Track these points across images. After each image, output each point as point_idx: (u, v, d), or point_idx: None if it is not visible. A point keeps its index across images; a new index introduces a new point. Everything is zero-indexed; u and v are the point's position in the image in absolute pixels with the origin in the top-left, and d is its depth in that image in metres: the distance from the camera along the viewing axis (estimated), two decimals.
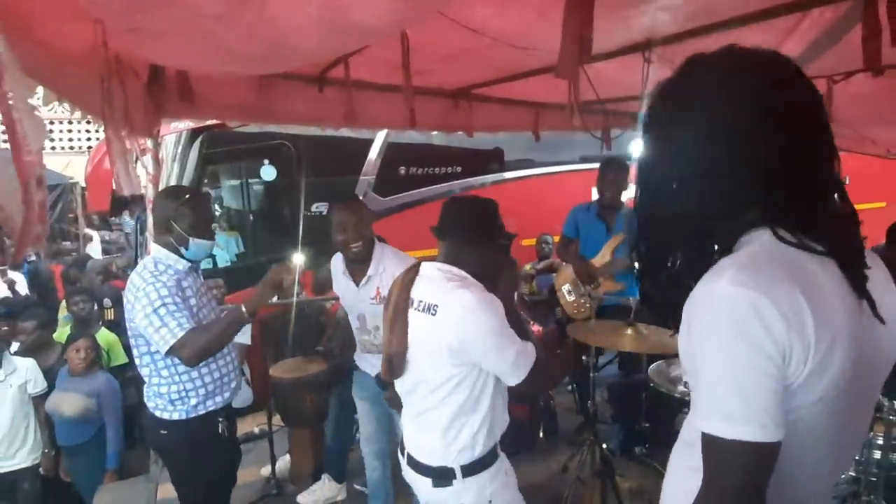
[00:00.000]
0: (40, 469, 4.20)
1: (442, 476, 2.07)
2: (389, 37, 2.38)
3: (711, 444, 0.93)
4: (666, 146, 1.06)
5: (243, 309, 2.51)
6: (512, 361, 1.94)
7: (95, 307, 5.17)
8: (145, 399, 2.62)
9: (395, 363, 2.10)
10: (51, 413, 4.09)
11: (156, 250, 2.58)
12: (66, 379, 4.13)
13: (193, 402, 2.55)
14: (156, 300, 2.36)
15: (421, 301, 2.05)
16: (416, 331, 2.06)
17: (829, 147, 1.00)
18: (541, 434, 4.44)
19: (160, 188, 5.75)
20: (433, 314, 1.98)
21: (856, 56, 1.94)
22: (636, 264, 1.17)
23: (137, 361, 2.56)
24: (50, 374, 4.31)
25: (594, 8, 1.75)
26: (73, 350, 4.09)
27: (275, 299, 2.78)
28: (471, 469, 2.05)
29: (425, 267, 2.15)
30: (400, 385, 2.19)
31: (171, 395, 2.52)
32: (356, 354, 3.28)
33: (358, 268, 3.04)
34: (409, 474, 2.19)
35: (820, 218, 0.98)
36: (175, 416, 2.54)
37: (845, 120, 3.36)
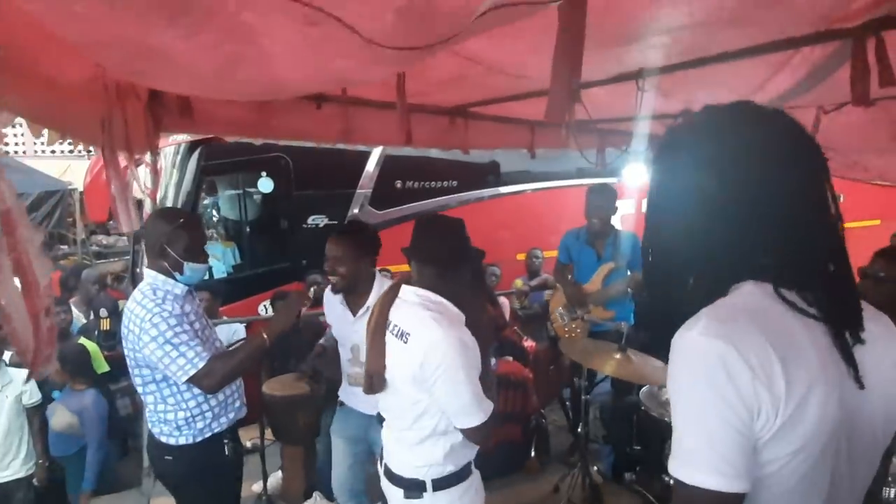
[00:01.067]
0: (34, 480, 4.20)
1: (413, 488, 2.15)
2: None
3: (677, 488, 0.95)
4: (668, 199, 1.10)
5: (265, 336, 2.57)
6: (462, 405, 2.00)
7: (74, 317, 5.18)
8: (149, 425, 2.59)
9: (375, 381, 2.16)
10: (48, 420, 4.13)
11: (151, 276, 2.53)
12: (65, 391, 4.17)
13: (200, 425, 2.54)
14: (167, 331, 2.35)
15: (396, 326, 2.12)
16: (391, 354, 2.12)
17: (829, 212, 1.02)
18: (532, 453, 4.45)
19: (157, 199, 5.81)
20: (405, 342, 2.05)
21: (846, 89, 1.97)
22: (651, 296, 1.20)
23: (140, 390, 2.53)
24: (46, 384, 4.32)
25: (586, 47, 1.79)
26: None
27: (269, 312, 2.82)
28: (441, 483, 2.13)
29: (405, 290, 2.18)
30: (381, 401, 2.28)
31: (177, 420, 2.50)
32: (342, 389, 3.16)
33: (355, 298, 2.94)
34: (384, 484, 2.27)
35: (815, 279, 1.00)
36: (182, 441, 2.52)
37: (836, 147, 3.39)
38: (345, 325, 3.01)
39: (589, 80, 2.76)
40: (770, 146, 1.00)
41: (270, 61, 1.34)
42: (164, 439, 2.53)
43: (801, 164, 1.00)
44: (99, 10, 0.97)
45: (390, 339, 2.12)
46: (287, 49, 1.28)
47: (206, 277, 6.20)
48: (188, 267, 2.52)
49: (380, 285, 2.89)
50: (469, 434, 2.06)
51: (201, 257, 2.59)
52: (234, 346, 2.98)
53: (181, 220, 2.55)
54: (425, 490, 2.13)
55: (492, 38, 2.06)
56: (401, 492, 2.17)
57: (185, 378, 2.37)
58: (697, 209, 1.03)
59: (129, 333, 2.42)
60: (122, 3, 0.97)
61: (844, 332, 0.98)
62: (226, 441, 2.63)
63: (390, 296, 2.20)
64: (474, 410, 2.00)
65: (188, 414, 2.50)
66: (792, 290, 0.98)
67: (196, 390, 2.48)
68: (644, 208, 1.17)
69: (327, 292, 3.10)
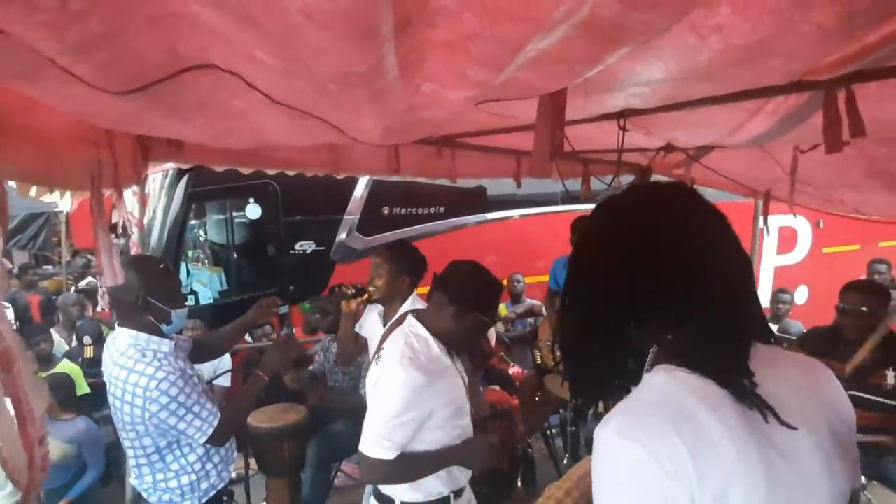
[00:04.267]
0: None
1: (384, 503, 2.23)
2: None
3: None
4: (594, 268, 1.13)
5: (265, 377, 2.56)
6: (367, 432, 2.10)
7: (56, 343, 5.14)
8: (145, 494, 2.48)
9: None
10: None
11: (130, 336, 2.31)
12: (47, 423, 4.08)
13: (205, 486, 2.46)
14: (178, 395, 2.22)
15: (382, 349, 2.26)
16: (370, 371, 2.27)
17: (744, 277, 1.07)
18: (519, 483, 4.45)
19: (145, 226, 5.80)
20: (377, 364, 2.20)
21: (820, 132, 2.03)
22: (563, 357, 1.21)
23: (143, 460, 2.37)
24: None
25: (572, 94, 1.85)
26: None
27: (250, 340, 2.84)
28: None
29: (407, 321, 2.28)
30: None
31: (181, 487, 2.41)
32: None
33: (390, 311, 3.03)
34: (371, 499, 2.34)
35: (723, 349, 1.01)
36: None
37: (813, 182, 3.47)
38: (376, 333, 3.06)
39: (572, 119, 2.82)
40: (685, 219, 1.06)
41: (260, 131, 1.38)
42: None
43: (713, 233, 1.06)
44: (96, 96, 1.00)
45: (374, 360, 2.28)
46: (277, 127, 1.32)
47: (193, 304, 6.24)
48: (175, 315, 2.39)
49: (412, 303, 2.96)
50: (363, 463, 2.12)
51: (183, 301, 2.49)
52: (223, 379, 2.95)
53: (161, 267, 2.40)
54: None
55: None
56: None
57: (203, 439, 2.30)
58: (618, 275, 1.07)
59: (125, 405, 2.23)
60: (116, 98, 1.00)
61: (755, 393, 0.98)
62: (224, 498, 2.61)
63: (396, 324, 2.33)
64: (369, 442, 2.08)
65: (194, 478, 2.42)
66: (702, 373, 1.00)
67: (201, 451, 2.41)
68: (569, 267, 1.19)
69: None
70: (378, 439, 2.06)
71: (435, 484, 2.21)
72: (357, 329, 3.25)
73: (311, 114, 1.10)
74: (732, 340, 1.02)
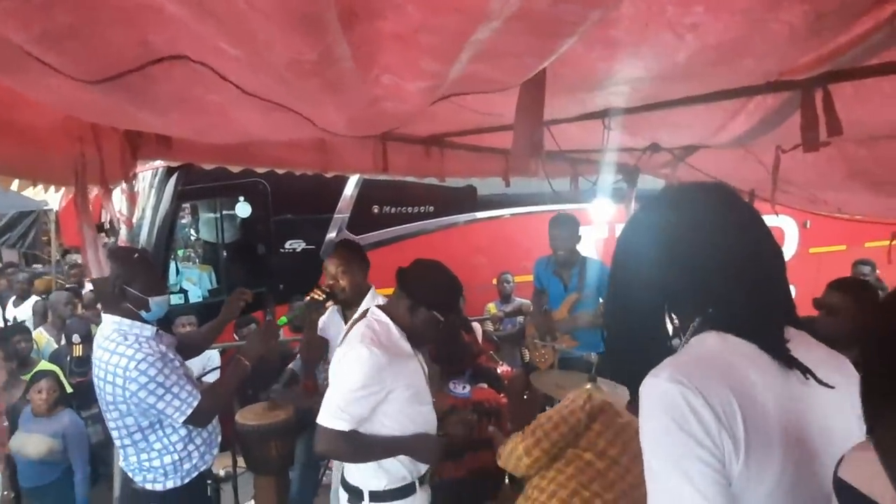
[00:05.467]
0: None
1: (354, 494, 2.31)
2: None
3: None
4: (635, 262, 1.21)
5: (246, 362, 2.58)
6: (329, 402, 2.18)
7: (46, 341, 5.11)
8: (129, 474, 2.52)
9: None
10: (14, 454, 4.02)
11: (114, 322, 2.41)
12: (30, 419, 4.06)
13: (187, 466, 2.51)
14: (156, 375, 2.30)
15: (347, 335, 2.35)
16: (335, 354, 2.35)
17: (771, 268, 1.13)
18: (506, 480, 4.46)
19: (134, 224, 5.78)
20: (340, 345, 2.32)
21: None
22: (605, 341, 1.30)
23: (127, 440, 2.44)
24: (15, 412, 4.25)
25: (552, 92, 1.88)
26: (35, 391, 4.04)
27: (237, 338, 2.87)
28: (378, 497, 2.28)
29: (370, 309, 2.40)
30: None
31: (164, 466, 2.46)
32: None
33: (349, 314, 3.05)
34: (340, 488, 2.40)
35: (762, 327, 1.09)
36: (170, 485, 2.48)
37: (796, 182, 3.52)
38: (340, 332, 3.11)
39: (556, 118, 2.85)
40: (718, 218, 1.14)
41: (239, 125, 1.40)
42: (149, 486, 2.47)
43: (744, 230, 1.13)
44: (73, 87, 1.02)
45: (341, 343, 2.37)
46: (253, 120, 1.34)
47: (183, 302, 6.24)
48: (153, 302, 2.45)
49: (372, 298, 3.04)
50: (317, 433, 2.19)
51: (162, 289, 2.54)
52: (212, 376, 2.96)
53: (135, 257, 2.51)
54: (362, 499, 2.27)
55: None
56: (346, 496, 2.32)
57: (182, 419, 2.35)
58: (657, 268, 1.16)
59: (109, 385, 2.32)
60: (91, 89, 1.01)
61: (791, 355, 1.05)
62: (209, 482, 2.64)
63: (359, 318, 2.42)
64: (327, 413, 2.16)
65: (176, 457, 2.46)
66: (747, 339, 1.06)
67: (183, 431, 2.46)
68: (612, 260, 1.27)
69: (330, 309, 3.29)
70: (336, 410, 2.14)
71: (400, 470, 2.29)
72: (320, 332, 3.29)
73: (281, 104, 1.12)
74: (768, 317, 1.10)
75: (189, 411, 2.36)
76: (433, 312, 2.30)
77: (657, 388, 1.01)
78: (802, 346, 1.10)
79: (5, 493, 4.11)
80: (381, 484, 2.26)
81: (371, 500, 2.26)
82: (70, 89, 1.02)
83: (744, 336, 1.07)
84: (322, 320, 3.30)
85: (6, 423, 4.16)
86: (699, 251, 1.11)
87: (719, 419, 0.95)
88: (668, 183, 4.15)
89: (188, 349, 2.91)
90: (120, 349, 2.33)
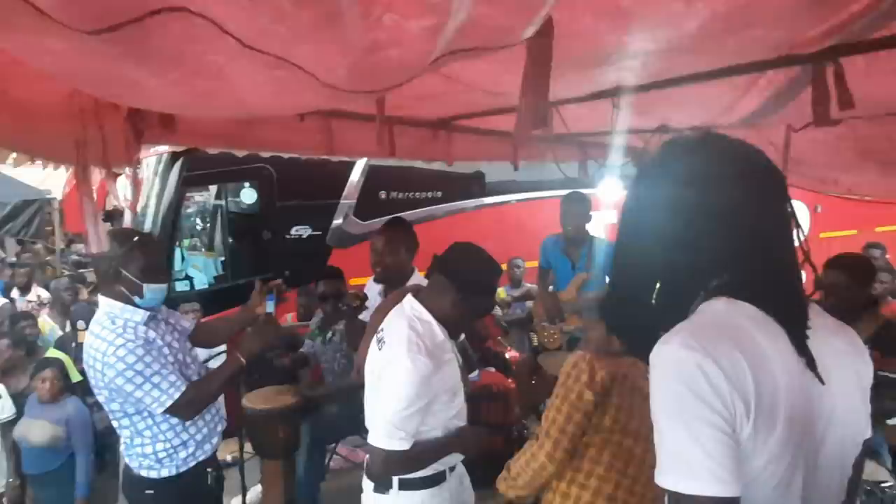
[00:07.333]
0: (4, 499, 4.14)
1: (382, 483, 2.21)
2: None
3: (671, 500, 0.97)
4: (643, 221, 1.16)
5: (241, 359, 2.50)
6: (377, 422, 2.07)
7: (50, 328, 5.12)
8: (126, 459, 2.47)
9: (362, 374, 2.29)
10: (18, 441, 4.04)
11: (107, 304, 2.36)
12: (35, 405, 4.07)
13: (183, 455, 2.43)
14: (135, 362, 2.23)
15: (382, 330, 2.22)
16: (370, 352, 2.24)
17: (785, 231, 1.10)
18: None
19: (138, 210, 5.78)
20: (380, 348, 2.16)
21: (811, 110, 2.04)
22: (608, 307, 1.28)
23: (115, 424, 2.41)
24: (21, 398, 4.27)
25: (560, 68, 1.84)
26: (40, 380, 4.03)
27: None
28: (408, 484, 2.18)
29: (407, 300, 2.25)
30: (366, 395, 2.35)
31: (157, 453, 2.38)
32: None
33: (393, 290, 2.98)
34: (365, 478, 2.32)
35: (772, 289, 1.06)
36: (164, 474, 2.41)
37: (807, 162, 3.47)
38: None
39: (566, 98, 2.81)
40: (728, 173, 1.08)
41: (241, 93, 1.38)
42: (144, 472, 2.41)
43: (758, 188, 1.08)
44: (70, 47, 0.99)
45: (374, 340, 2.23)
46: (255, 85, 1.31)
47: (188, 289, 6.24)
48: (148, 289, 2.36)
49: (415, 280, 2.95)
50: (371, 452, 2.13)
51: (160, 277, 2.43)
52: (217, 360, 2.90)
53: (135, 240, 2.38)
54: (391, 487, 2.18)
55: (466, 59, 2.12)
56: (372, 485, 2.24)
57: (161, 410, 2.28)
58: (664, 228, 1.11)
59: (91, 370, 2.30)
60: (89, 46, 0.99)
61: (806, 337, 1.04)
62: (209, 470, 2.55)
63: (393, 303, 2.30)
64: (383, 434, 2.05)
65: (168, 445, 2.39)
66: (755, 305, 1.04)
67: (174, 420, 2.38)
68: (618, 224, 1.23)
69: (370, 282, 3.25)
70: (392, 430, 2.03)
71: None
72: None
73: (281, 58, 1.09)
74: (788, 284, 1.08)
75: (168, 402, 2.28)
76: (483, 299, 2.23)
77: (669, 354, 1.00)
78: (815, 316, 1.09)
79: (10, 480, 4.12)
80: (415, 473, 2.18)
81: (400, 489, 2.17)
82: (66, 50, 1.00)
83: (758, 303, 1.05)
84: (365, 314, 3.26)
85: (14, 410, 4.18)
86: (709, 210, 1.06)
87: (731, 383, 0.95)
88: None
89: (202, 340, 2.87)
90: (104, 333, 2.27)
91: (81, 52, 1.03)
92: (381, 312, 2.34)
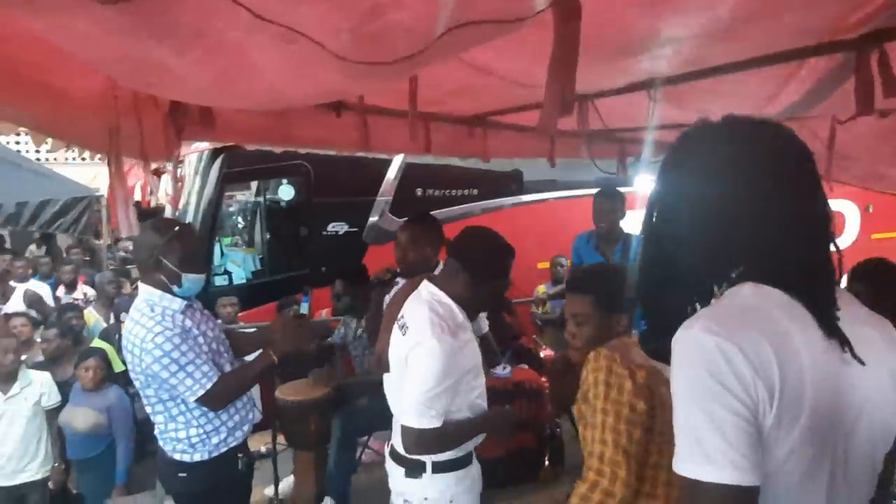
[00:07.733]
0: (49, 483, 4.27)
1: (414, 468, 2.23)
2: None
3: (692, 488, 0.95)
4: (669, 208, 1.15)
5: (274, 357, 2.54)
6: (408, 403, 2.09)
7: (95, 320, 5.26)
8: (160, 443, 2.52)
9: (383, 360, 2.32)
10: (63, 427, 4.17)
11: (147, 292, 2.40)
12: (79, 393, 4.22)
13: (215, 441, 2.47)
14: (172, 350, 2.27)
15: (403, 316, 2.24)
16: (393, 340, 2.26)
17: (819, 211, 1.07)
18: (546, 462, 4.42)
19: (180, 206, 5.91)
20: (403, 333, 2.18)
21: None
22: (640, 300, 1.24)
23: (149, 409, 2.46)
24: (67, 386, 4.40)
25: (592, 58, 1.81)
26: (83, 369, 4.17)
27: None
28: (441, 467, 2.21)
29: (424, 286, 2.29)
30: (387, 381, 2.39)
31: (190, 438, 2.43)
32: None
33: None
34: (388, 464, 2.35)
35: (800, 273, 1.03)
36: (196, 458, 2.45)
37: (852, 156, 3.35)
38: None
39: (600, 90, 2.77)
40: (758, 158, 1.05)
41: (262, 74, 1.39)
42: (177, 456, 2.46)
43: (788, 173, 1.05)
44: (99, 29, 1.01)
45: (396, 327, 2.25)
46: (274, 63, 1.32)
47: (227, 284, 6.35)
48: (186, 278, 2.40)
49: None
50: (403, 433, 2.14)
51: (198, 267, 2.48)
52: (245, 362, 2.93)
53: (176, 230, 2.43)
54: (424, 471, 2.20)
55: (497, 49, 2.10)
56: (402, 471, 2.25)
57: (193, 398, 2.33)
58: (692, 212, 1.09)
59: (129, 355, 2.35)
60: (114, 23, 1.00)
61: (836, 319, 1.01)
62: (240, 456, 2.60)
63: (410, 289, 2.33)
64: (414, 413, 2.07)
65: (200, 431, 2.44)
66: (784, 291, 1.01)
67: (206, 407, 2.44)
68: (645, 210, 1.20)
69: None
70: (423, 409, 2.06)
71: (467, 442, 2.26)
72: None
73: (293, 29, 1.08)
74: (816, 267, 1.05)
75: (201, 392, 2.32)
76: (495, 281, 2.26)
77: (692, 339, 0.98)
78: (846, 305, 1.05)
79: (56, 464, 4.26)
80: (444, 454, 2.21)
81: (434, 472, 2.20)
82: (90, 29, 1.01)
83: (787, 288, 1.01)
84: (387, 297, 3.27)
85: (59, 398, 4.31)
86: (759, 190, 1.03)
87: (754, 369, 0.92)
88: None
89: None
90: (143, 320, 2.32)
91: (107, 32, 1.05)
92: (398, 301, 2.36)
